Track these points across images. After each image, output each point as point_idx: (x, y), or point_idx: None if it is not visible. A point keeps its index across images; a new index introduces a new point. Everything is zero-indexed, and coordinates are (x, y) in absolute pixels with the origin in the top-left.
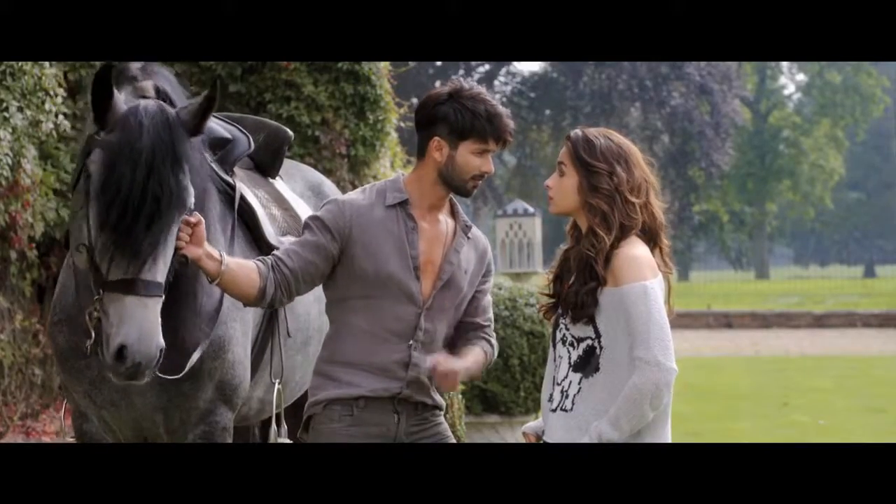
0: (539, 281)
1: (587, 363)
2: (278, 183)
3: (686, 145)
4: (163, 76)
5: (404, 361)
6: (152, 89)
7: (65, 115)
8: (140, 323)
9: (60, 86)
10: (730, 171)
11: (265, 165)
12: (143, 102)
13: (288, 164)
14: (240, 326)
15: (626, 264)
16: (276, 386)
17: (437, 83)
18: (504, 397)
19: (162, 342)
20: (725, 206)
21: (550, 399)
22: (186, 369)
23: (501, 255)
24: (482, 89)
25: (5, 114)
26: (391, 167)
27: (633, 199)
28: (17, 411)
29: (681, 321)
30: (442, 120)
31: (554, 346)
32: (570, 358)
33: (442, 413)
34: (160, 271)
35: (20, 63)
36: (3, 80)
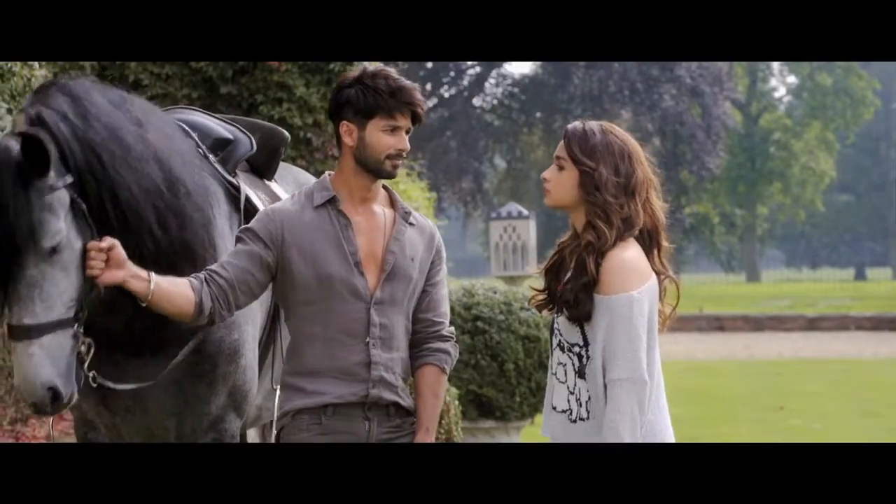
0: (533, 283)
1: (584, 370)
2: (274, 185)
3: (677, 148)
4: (62, 97)
5: (365, 361)
6: (25, 122)
7: None
8: (24, 369)
9: None
10: (720, 174)
11: (261, 167)
12: None
13: (279, 166)
14: (251, 330)
15: (615, 271)
16: (279, 392)
17: (428, 85)
18: (499, 402)
19: (51, 381)
20: (716, 208)
21: (569, 411)
22: (166, 371)
23: (495, 258)
24: (388, 68)
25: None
26: None
27: (636, 199)
28: (7, 416)
29: (673, 324)
30: (346, 103)
31: (552, 351)
32: (573, 364)
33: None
34: (41, 312)
35: (10, 65)
36: None
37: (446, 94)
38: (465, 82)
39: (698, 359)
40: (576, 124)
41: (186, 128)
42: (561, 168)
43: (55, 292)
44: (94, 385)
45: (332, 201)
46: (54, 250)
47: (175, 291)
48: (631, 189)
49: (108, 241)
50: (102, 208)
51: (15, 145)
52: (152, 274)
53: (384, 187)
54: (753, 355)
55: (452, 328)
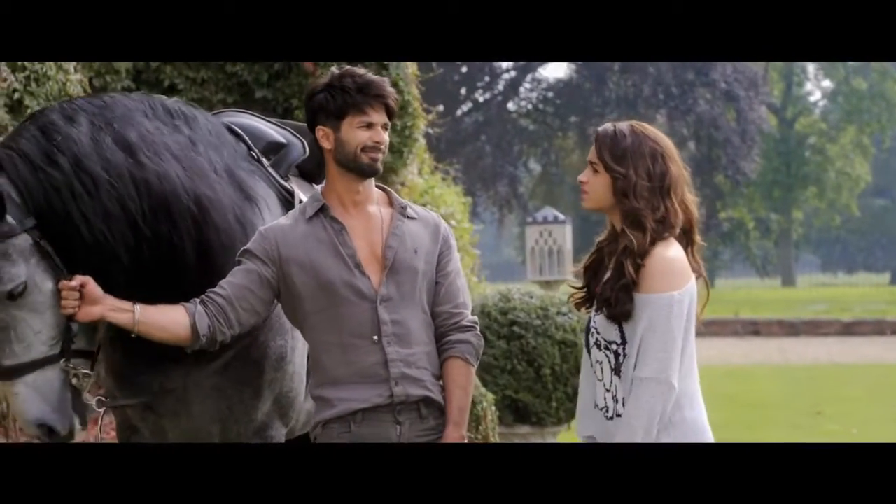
0: (570, 289)
1: (620, 368)
2: None
3: (712, 152)
4: (33, 131)
5: (382, 360)
6: None
7: None
8: (14, 408)
9: (85, 92)
10: (756, 178)
11: (310, 171)
12: None
13: None
14: (300, 336)
15: (659, 270)
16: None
17: (463, 90)
18: (536, 408)
19: (40, 418)
20: (751, 213)
21: (605, 408)
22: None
23: (531, 262)
24: (355, 68)
25: None
26: (419, 174)
27: (672, 197)
28: None
29: (708, 329)
30: (319, 109)
31: (588, 350)
32: (610, 362)
33: None
34: (20, 353)
35: (45, 69)
36: (28, 86)
37: (481, 99)
38: (500, 87)
39: (734, 363)
40: (606, 127)
41: (240, 131)
42: (595, 171)
43: (30, 333)
44: (100, 409)
45: (323, 210)
46: (16, 295)
47: (166, 318)
48: (666, 189)
49: (79, 279)
50: (72, 244)
51: None
52: (137, 305)
53: (381, 188)
54: (789, 360)
55: (474, 318)
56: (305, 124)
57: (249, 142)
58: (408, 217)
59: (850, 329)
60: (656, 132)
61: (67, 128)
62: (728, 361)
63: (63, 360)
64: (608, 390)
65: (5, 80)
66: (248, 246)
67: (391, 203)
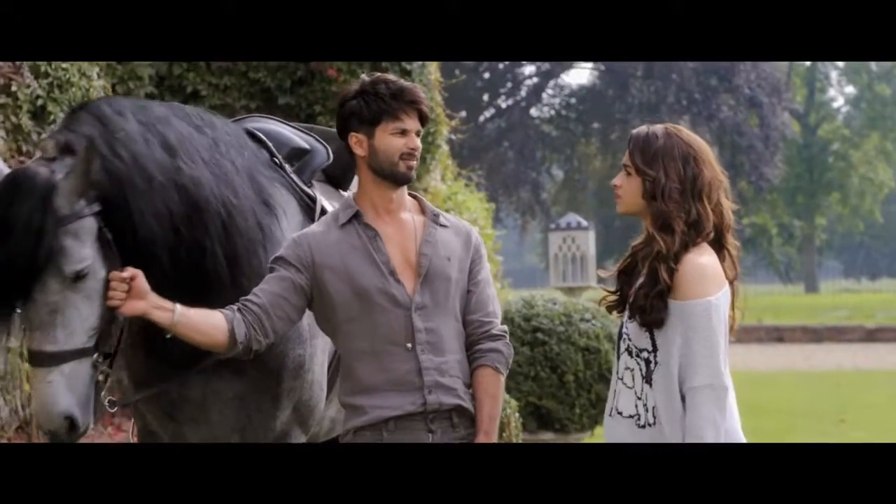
0: (593, 295)
1: (651, 376)
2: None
3: (735, 158)
4: (91, 121)
5: (416, 368)
6: (53, 149)
7: None
8: (42, 397)
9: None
10: (779, 184)
11: (337, 177)
12: (22, 170)
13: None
14: (320, 344)
15: (692, 277)
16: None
17: (486, 96)
18: (559, 414)
19: (68, 410)
20: (774, 219)
21: (637, 416)
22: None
23: (554, 269)
24: (387, 75)
25: (53, 127)
26: (442, 180)
27: (704, 201)
28: None
29: (732, 335)
30: (352, 115)
31: (618, 356)
32: (641, 369)
33: None
34: (62, 339)
35: (68, 75)
36: (51, 93)
37: (503, 105)
38: (523, 93)
39: (758, 370)
40: (640, 129)
41: (263, 137)
42: (628, 174)
43: (77, 319)
44: (112, 410)
45: (356, 216)
46: (78, 277)
47: (204, 322)
48: (697, 191)
49: (130, 272)
50: (123, 239)
51: (42, 171)
52: (177, 305)
53: (413, 195)
54: (813, 366)
55: (504, 327)
56: (330, 130)
57: (272, 147)
58: (440, 225)
59: (873, 335)
60: (691, 135)
61: (123, 123)
62: (752, 368)
63: (97, 354)
64: (639, 398)
65: (29, 86)
66: (281, 252)
67: (423, 210)
